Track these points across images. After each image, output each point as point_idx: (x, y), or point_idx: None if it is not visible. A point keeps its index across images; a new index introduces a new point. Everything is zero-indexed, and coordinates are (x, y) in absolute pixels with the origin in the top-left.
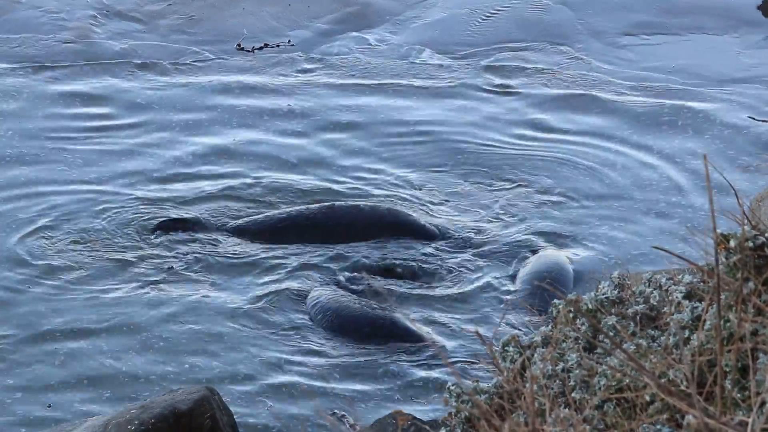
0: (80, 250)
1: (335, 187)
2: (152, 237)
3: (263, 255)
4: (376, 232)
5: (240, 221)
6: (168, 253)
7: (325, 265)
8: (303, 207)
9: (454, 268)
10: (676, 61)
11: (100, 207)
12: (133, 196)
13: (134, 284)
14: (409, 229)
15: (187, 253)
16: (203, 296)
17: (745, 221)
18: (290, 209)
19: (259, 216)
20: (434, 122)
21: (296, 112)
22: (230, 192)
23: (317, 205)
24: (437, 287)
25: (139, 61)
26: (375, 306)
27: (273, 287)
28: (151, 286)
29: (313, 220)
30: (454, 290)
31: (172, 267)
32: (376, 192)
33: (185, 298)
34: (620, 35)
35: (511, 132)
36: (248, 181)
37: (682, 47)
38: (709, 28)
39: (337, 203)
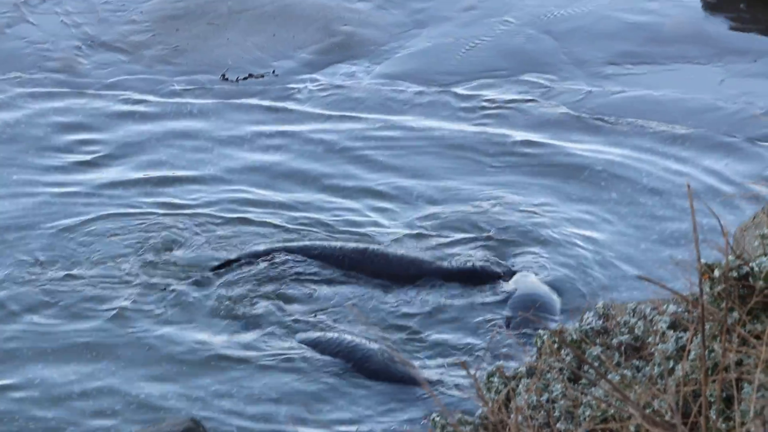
0: (62, 277)
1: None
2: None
3: (263, 285)
4: (401, 280)
5: (277, 245)
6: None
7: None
8: (339, 244)
9: (439, 297)
10: (660, 90)
11: (86, 237)
12: (113, 227)
13: (124, 308)
14: (432, 276)
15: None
16: (188, 325)
17: (729, 251)
18: (326, 243)
19: (292, 244)
20: (421, 149)
21: (280, 140)
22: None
23: (353, 245)
24: (421, 316)
25: (124, 91)
26: (363, 342)
27: (261, 318)
28: (141, 310)
29: (343, 260)
30: (438, 319)
31: (165, 288)
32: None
33: (173, 325)
34: (604, 64)
35: (493, 156)
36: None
37: (666, 76)
38: (693, 57)
39: (371, 247)
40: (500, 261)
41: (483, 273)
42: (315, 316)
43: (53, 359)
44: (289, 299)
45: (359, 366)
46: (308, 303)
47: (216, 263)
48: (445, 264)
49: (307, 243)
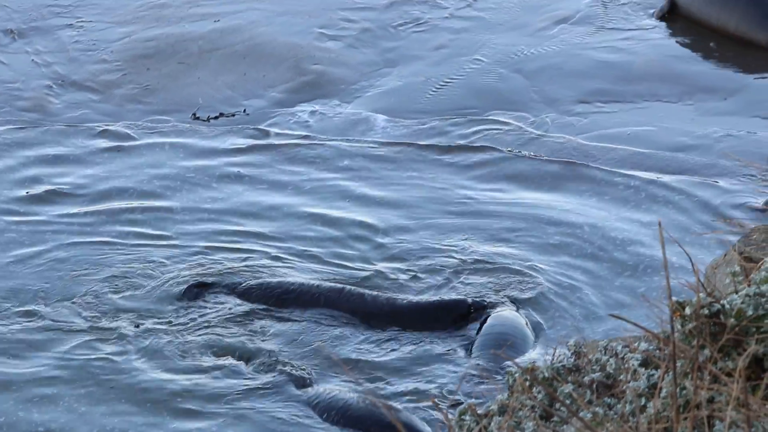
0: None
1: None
2: (181, 300)
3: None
4: (376, 321)
5: (250, 282)
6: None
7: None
8: (315, 282)
9: (410, 334)
10: (631, 128)
11: (51, 269)
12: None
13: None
14: (406, 317)
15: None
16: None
17: (701, 288)
18: (302, 281)
19: (271, 281)
20: (392, 185)
21: (251, 176)
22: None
23: (329, 284)
24: (392, 354)
25: (95, 130)
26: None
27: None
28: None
29: (319, 299)
30: (409, 356)
31: (138, 325)
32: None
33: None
34: (575, 103)
35: (465, 194)
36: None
37: (637, 114)
38: (663, 96)
39: (347, 288)
40: (473, 297)
41: (454, 307)
42: (285, 356)
43: (13, 394)
44: (261, 336)
45: (341, 415)
46: (280, 341)
47: (193, 282)
48: (416, 299)
49: (283, 280)
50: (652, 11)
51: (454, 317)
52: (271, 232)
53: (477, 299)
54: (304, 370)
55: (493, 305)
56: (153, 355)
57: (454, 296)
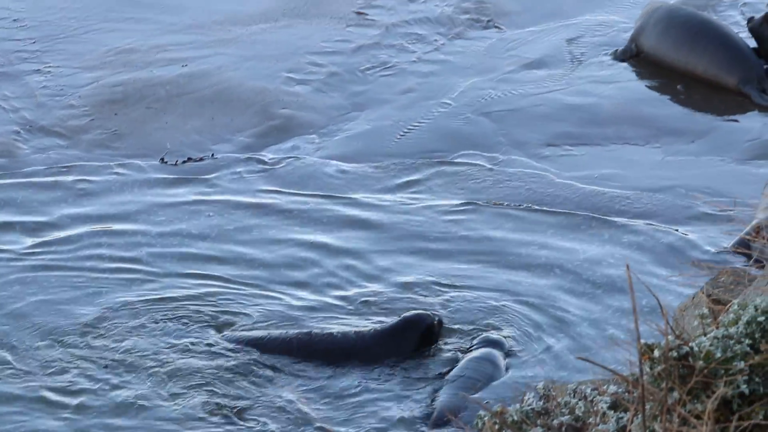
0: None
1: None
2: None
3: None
4: (348, 357)
5: (218, 334)
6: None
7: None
8: (281, 331)
9: (381, 370)
10: (599, 171)
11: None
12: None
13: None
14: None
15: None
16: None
17: (669, 331)
18: (269, 332)
19: (236, 333)
20: (359, 228)
21: (219, 221)
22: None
23: (295, 331)
24: (363, 392)
25: (63, 176)
26: None
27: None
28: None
29: (290, 346)
30: (379, 394)
31: (107, 366)
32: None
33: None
34: (542, 146)
35: (433, 236)
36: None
37: (605, 157)
38: (630, 138)
39: (314, 331)
40: (433, 312)
41: (419, 321)
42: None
43: None
44: (231, 386)
45: None
46: (251, 388)
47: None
48: (380, 326)
49: (254, 332)
50: (615, 49)
51: (422, 333)
52: (238, 275)
53: (438, 314)
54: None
55: (473, 340)
56: (112, 404)
57: (414, 312)
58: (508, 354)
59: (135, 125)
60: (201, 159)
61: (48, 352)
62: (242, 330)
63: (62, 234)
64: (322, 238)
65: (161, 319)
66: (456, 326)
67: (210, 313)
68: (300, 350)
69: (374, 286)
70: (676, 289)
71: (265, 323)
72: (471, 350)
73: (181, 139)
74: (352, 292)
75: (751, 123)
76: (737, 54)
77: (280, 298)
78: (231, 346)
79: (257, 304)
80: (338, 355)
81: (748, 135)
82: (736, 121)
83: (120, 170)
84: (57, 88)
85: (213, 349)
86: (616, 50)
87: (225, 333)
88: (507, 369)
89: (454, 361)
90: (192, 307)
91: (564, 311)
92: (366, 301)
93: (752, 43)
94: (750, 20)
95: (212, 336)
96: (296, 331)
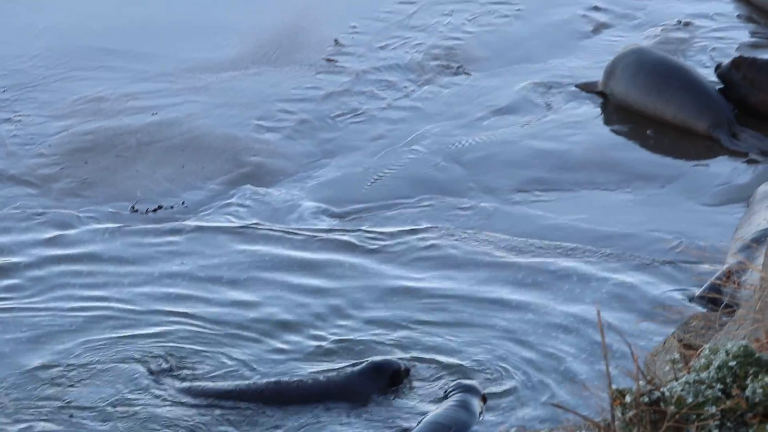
0: None
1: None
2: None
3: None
4: (320, 402)
5: (187, 384)
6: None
7: None
8: (250, 382)
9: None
10: (569, 216)
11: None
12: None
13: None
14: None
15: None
16: None
17: (640, 376)
18: (237, 383)
19: (208, 384)
20: (332, 271)
21: (191, 268)
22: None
23: (265, 381)
24: None
25: (33, 224)
26: None
27: None
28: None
29: (260, 395)
30: None
31: (72, 415)
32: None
33: None
34: (513, 192)
35: (401, 287)
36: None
37: (576, 203)
38: (601, 183)
39: (282, 379)
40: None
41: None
42: None
43: None
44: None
45: None
46: None
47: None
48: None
49: (222, 385)
50: (584, 82)
51: (389, 377)
52: (209, 320)
53: (405, 359)
54: None
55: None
56: None
57: (380, 358)
58: (484, 399)
59: (105, 174)
60: (172, 207)
61: (10, 396)
62: (212, 380)
63: (31, 277)
64: (292, 281)
65: (131, 363)
66: (428, 371)
67: (181, 357)
68: (271, 398)
69: (345, 330)
70: (647, 333)
71: (236, 368)
72: (446, 396)
73: (152, 187)
74: (322, 334)
75: (721, 167)
76: (706, 98)
77: (251, 341)
78: (201, 398)
79: (229, 347)
80: (310, 400)
81: (718, 179)
82: (706, 165)
83: (90, 219)
84: (27, 136)
85: (183, 399)
86: (587, 99)
87: (194, 383)
88: (482, 415)
89: (429, 408)
90: (162, 352)
91: (538, 356)
92: (336, 344)
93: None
94: (718, 67)
95: (182, 384)
96: (266, 380)
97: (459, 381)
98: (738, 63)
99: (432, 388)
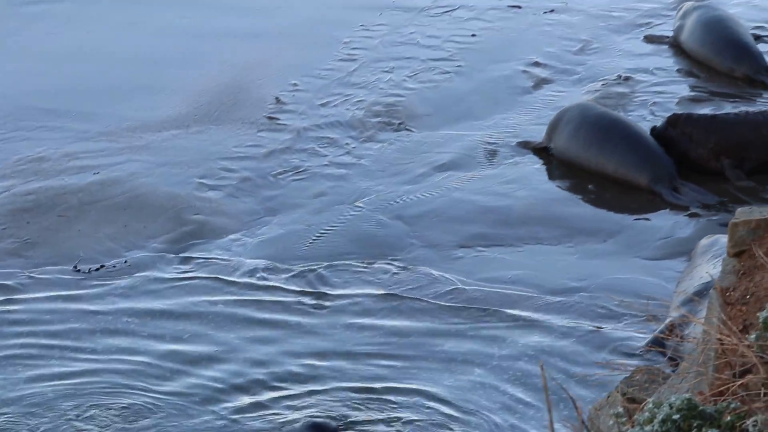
0: None
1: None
2: None
3: None
4: None
5: None
6: None
7: None
8: None
9: None
10: (512, 272)
11: None
12: None
13: None
14: None
15: None
16: None
17: (584, 430)
18: None
19: None
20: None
21: (135, 327)
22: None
23: None
24: None
25: None
26: None
27: None
28: None
29: None
30: None
31: None
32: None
33: None
34: (455, 248)
35: (346, 343)
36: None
37: (518, 258)
38: (543, 238)
39: None
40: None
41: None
42: None
43: None
44: None
45: None
46: None
47: None
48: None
49: None
50: (524, 140)
51: None
52: (151, 379)
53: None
54: None
55: None
56: None
57: (320, 419)
58: None
59: (47, 234)
60: (114, 266)
61: None
62: None
63: None
64: (233, 340)
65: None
66: (368, 427)
67: (121, 419)
68: None
69: (286, 387)
70: (590, 388)
71: (177, 428)
72: None
73: (95, 246)
74: (261, 395)
75: (663, 221)
76: (647, 153)
77: (192, 401)
78: None
79: (170, 409)
80: None
81: (660, 233)
82: (647, 219)
83: (33, 279)
84: None
85: None
86: (527, 141)
87: None
88: None
89: None
90: (101, 416)
91: (483, 409)
92: (275, 403)
93: None
94: (653, 129)
95: None
96: None
97: (310, 420)
98: (674, 121)
99: None
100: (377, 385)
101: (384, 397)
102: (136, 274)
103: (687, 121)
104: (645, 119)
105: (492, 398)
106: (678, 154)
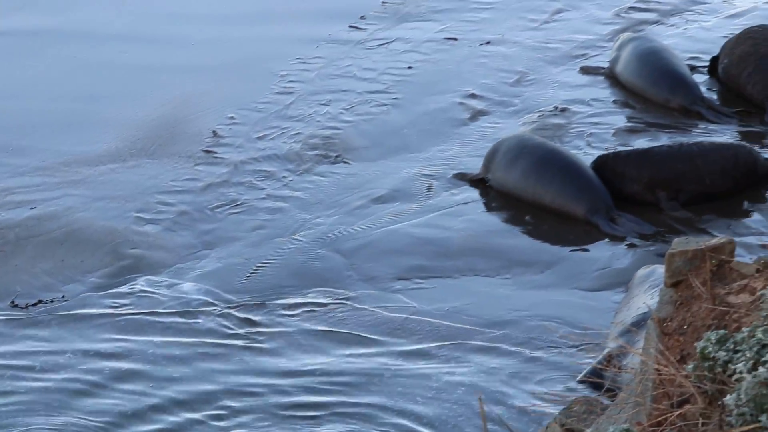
0: None
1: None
2: None
3: None
4: None
5: None
6: None
7: None
8: None
9: None
10: (450, 304)
11: None
12: None
13: None
14: None
15: None
16: None
17: None
18: None
19: None
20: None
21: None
22: None
23: None
24: None
25: None
26: None
27: None
28: None
29: None
30: None
31: None
32: None
33: None
34: (393, 280)
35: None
36: None
37: (456, 289)
38: (481, 270)
39: None
40: None
41: None
42: None
43: None
44: None
45: None
46: None
47: None
48: None
49: None
50: (461, 172)
51: None
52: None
53: None
54: None
55: None
56: None
57: None
58: None
59: None
60: (51, 301)
61: None
62: None
63: None
64: (170, 384)
65: None
66: None
67: None
68: None
69: (224, 424)
70: (529, 419)
71: None
72: None
73: (31, 281)
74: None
75: (600, 252)
76: (584, 184)
77: None
78: None
79: None
80: None
81: (597, 264)
82: (585, 250)
83: None
84: None
85: None
86: (463, 173)
87: None
88: None
89: None
90: None
91: None
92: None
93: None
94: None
95: None
96: None
97: None
98: (602, 163)
99: None
100: (308, 424)
101: (323, 427)
102: (74, 309)
103: (616, 160)
104: (581, 150)
105: (431, 425)
106: (613, 191)
